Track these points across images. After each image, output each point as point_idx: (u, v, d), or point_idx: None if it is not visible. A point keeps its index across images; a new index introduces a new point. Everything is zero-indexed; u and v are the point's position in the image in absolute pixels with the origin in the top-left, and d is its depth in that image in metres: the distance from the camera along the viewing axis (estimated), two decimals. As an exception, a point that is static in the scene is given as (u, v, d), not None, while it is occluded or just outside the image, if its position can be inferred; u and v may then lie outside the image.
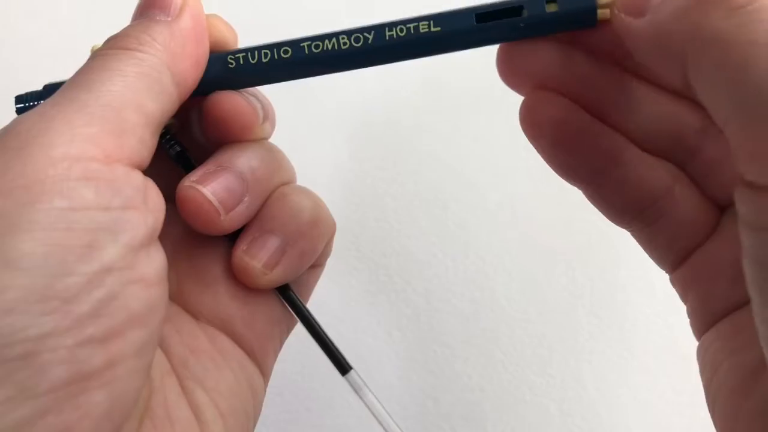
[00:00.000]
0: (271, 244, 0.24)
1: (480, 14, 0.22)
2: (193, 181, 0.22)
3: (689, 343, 0.23)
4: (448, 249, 0.37)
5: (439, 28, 0.22)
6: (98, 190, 0.18)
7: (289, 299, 0.25)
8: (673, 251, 0.23)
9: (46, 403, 0.16)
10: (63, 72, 0.39)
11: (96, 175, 0.18)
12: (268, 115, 0.24)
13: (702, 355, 0.23)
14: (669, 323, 0.36)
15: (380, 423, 0.24)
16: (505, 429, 0.35)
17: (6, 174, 0.17)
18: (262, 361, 0.24)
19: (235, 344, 0.24)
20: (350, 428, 0.35)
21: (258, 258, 0.23)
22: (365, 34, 0.22)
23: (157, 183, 0.21)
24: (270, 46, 0.22)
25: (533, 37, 0.22)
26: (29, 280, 0.16)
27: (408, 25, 0.22)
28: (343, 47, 0.22)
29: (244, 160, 0.23)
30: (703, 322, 0.23)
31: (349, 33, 0.22)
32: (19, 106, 0.23)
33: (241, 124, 0.23)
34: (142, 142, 0.20)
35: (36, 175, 0.17)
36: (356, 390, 0.24)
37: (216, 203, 0.22)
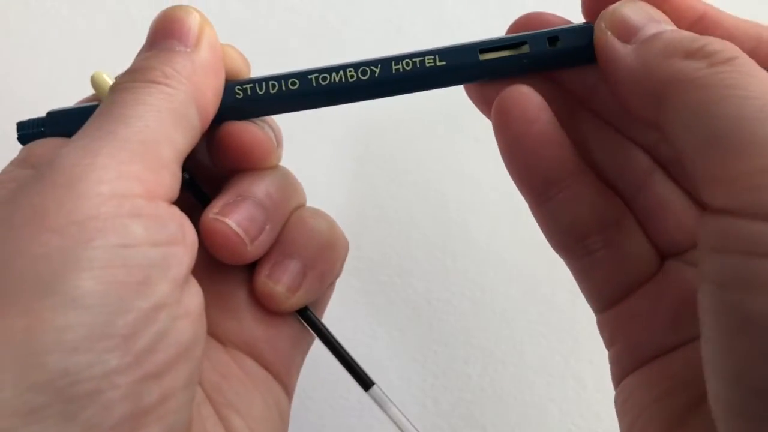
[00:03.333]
0: (293, 268, 0.24)
1: (483, 49, 0.22)
2: (217, 213, 0.23)
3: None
4: (448, 248, 0.37)
5: (444, 62, 0.22)
6: (147, 227, 0.18)
7: (309, 319, 0.25)
8: (610, 287, 0.23)
9: None
10: (60, 74, 0.39)
11: (143, 211, 0.18)
12: (279, 141, 0.25)
13: (622, 402, 0.23)
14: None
15: (401, 429, 0.24)
16: (505, 429, 0.35)
17: (59, 211, 0.17)
18: (287, 381, 0.25)
19: (261, 367, 0.24)
20: (352, 427, 0.35)
21: (281, 283, 0.24)
22: (372, 67, 0.22)
23: None
24: (277, 78, 0.23)
25: (535, 72, 0.22)
26: (91, 318, 0.17)
27: (414, 59, 0.22)
28: (350, 80, 0.22)
29: (263, 187, 0.24)
30: (628, 366, 0.23)
31: (356, 66, 0.22)
32: (21, 133, 0.23)
33: (259, 154, 0.23)
34: (175, 177, 0.20)
35: (89, 212, 0.17)
36: (380, 404, 0.24)
37: (242, 234, 0.23)
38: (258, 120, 0.24)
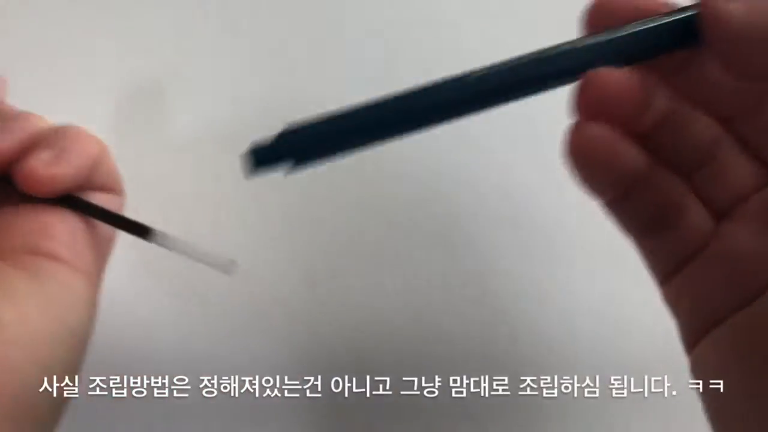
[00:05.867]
0: (45, 154, 0.25)
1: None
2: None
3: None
4: (448, 249, 0.37)
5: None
6: None
7: (75, 205, 0.26)
8: (674, 260, 0.24)
9: None
10: (60, 74, 0.38)
11: None
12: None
13: (695, 367, 0.23)
14: (668, 322, 0.36)
15: (199, 260, 0.26)
16: (505, 429, 0.35)
17: None
18: (75, 266, 0.26)
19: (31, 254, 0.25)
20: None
21: (39, 159, 0.25)
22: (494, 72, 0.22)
23: None
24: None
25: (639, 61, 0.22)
26: None
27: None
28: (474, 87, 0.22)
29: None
30: (698, 329, 0.23)
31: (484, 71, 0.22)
32: (255, 160, 0.21)
33: None
34: None
35: None
36: (167, 245, 0.26)
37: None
38: None
